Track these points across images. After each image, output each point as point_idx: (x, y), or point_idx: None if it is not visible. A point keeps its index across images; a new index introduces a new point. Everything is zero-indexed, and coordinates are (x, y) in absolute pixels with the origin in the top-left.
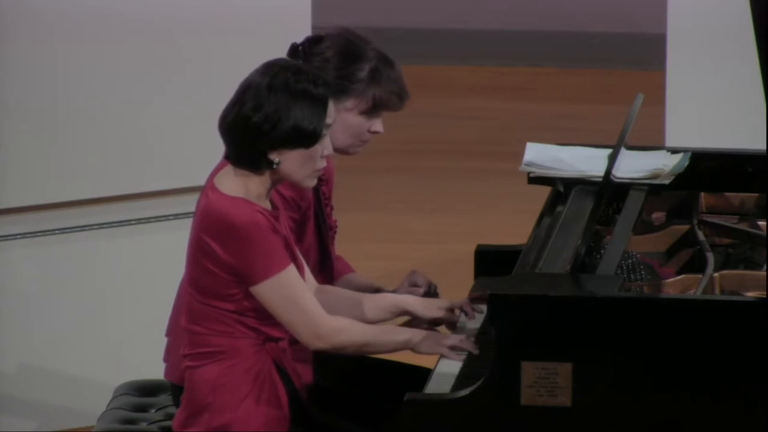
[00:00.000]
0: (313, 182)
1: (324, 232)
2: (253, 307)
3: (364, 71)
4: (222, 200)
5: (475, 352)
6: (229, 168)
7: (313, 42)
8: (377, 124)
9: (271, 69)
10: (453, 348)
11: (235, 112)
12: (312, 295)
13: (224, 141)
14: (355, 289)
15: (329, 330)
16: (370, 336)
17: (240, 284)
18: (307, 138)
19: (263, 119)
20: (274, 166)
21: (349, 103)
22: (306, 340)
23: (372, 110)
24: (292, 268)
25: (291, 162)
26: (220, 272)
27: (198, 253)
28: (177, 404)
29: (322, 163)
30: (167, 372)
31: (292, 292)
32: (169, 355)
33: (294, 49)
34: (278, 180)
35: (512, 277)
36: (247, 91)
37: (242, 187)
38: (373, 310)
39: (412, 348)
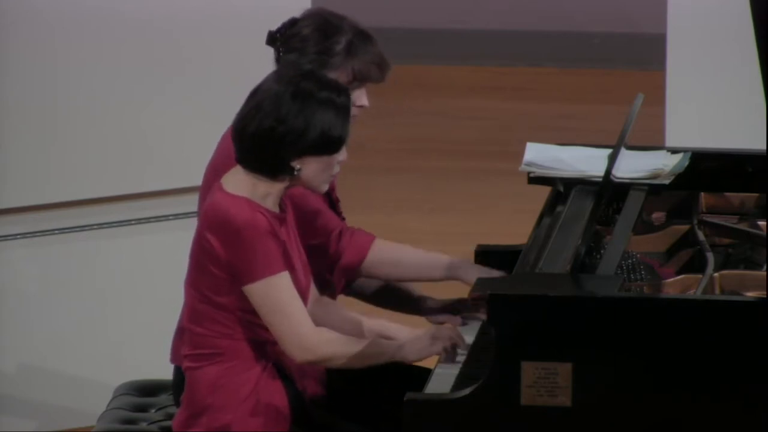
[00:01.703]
0: (327, 187)
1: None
2: (249, 309)
3: (341, 44)
4: (225, 199)
5: (463, 347)
6: (236, 168)
7: (288, 25)
8: (362, 98)
9: (290, 77)
10: (445, 349)
11: (258, 123)
12: (302, 306)
13: (241, 149)
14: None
15: (314, 342)
16: (357, 348)
17: (237, 285)
18: (332, 145)
19: (288, 129)
20: (295, 173)
21: (331, 77)
22: (290, 349)
23: (353, 82)
24: (284, 275)
25: (312, 169)
26: (220, 272)
27: (200, 252)
28: (177, 388)
29: (338, 169)
30: (173, 356)
31: (281, 298)
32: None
33: (272, 36)
34: (293, 185)
35: (512, 277)
36: (266, 100)
37: (249, 186)
38: (364, 335)
39: (401, 358)
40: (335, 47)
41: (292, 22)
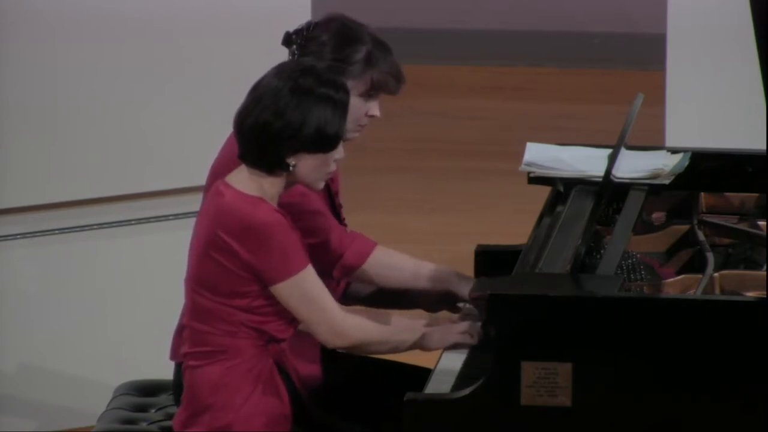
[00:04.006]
0: (323, 185)
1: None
2: (261, 306)
3: (360, 53)
4: (241, 199)
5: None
6: (243, 167)
7: (306, 28)
8: (374, 108)
9: (290, 73)
10: (462, 333)
11: (256, 116)
12: (329, 293)
13: (240, 143)
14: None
15: (348, 327)
16: (387, 333)
17: (255, 282)
18: (328, 142)
19: (285, 124)
20: (290, 169)
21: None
22: (325, 337)
23: (370, 92)
24: (310, 268)
25: (307, 166)
26: (238, 270)
27: (212, 250)
28: (177, 387)
29: (334, 167)
30: (173, 353)
31: (311, 290)
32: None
33: (288, 37)
34: (291, 182)
35: (512, 277)
36: (265, 94)
37: (258, 186)
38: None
39: (424, 345)
40: (355, 56)
41: (311, 26)
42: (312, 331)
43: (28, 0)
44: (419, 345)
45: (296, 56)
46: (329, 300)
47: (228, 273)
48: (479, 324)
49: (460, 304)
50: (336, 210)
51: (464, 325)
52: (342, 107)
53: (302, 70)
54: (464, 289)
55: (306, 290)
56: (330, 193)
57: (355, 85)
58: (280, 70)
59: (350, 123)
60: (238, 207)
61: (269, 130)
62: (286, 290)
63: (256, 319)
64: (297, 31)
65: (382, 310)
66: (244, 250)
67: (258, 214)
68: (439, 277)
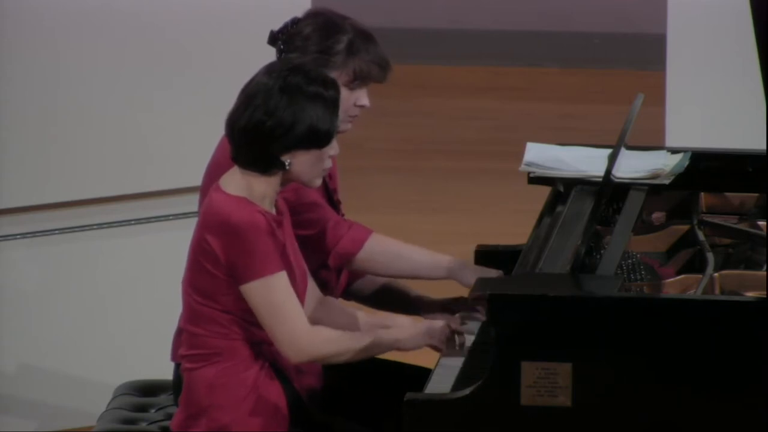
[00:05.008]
0: (320, 182)
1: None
2: (246, 309)
3: (342, 43)
4: (224, 199)
5: (462, 333)
6: (235, 168)
7: (290, 24)
8: (363, 97)
9: (279, 72)
10: (441, 340)
11: (247, 117)
12: (298, 306)
13: (233, 144)
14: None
15: (307, 343)
16: (352, 345)
17: (235, 285)
18: (321, 139)
19: (277, 123)
20: (286, 168)
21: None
22: (283, 350)
23: (354, 81)
24: (282, 275)
25: (303, 163)
26: (218, 272)
27: (199, 253)
28: (177, 387)
29: (329, 163)
30: (174, 354)
31: (277, 298)
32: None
33: (273, 36)
34: (287, 181)
35: (512, 277)
36: (256, 95)
37: (246, 187)
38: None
39: (399, 348)
40: (336, 47)
41: (294, 22)
42: (273, 341)
43: (28, 0)
44: (394, 347)
45: (282, 53)
46: (294, 313)
47: (211, 276)
48: (455, 326)
49: (457, 315)
50: (335, 207)
51: (438, 330)
52: (333, 104)
53: (290, 68)
54: (468, 278)
55: (272, 297)
56: (328, 191)
57: (339, 76)
58: (269, 70)
59: (340, 114)
60: (219, 207)
61: (262, 129)
62: (252, 292)
63: (244, 322)
64: (281, 29)
65: (367, 315)
66: (221, 248)
67: (238, 213)
68: (441, 266)
